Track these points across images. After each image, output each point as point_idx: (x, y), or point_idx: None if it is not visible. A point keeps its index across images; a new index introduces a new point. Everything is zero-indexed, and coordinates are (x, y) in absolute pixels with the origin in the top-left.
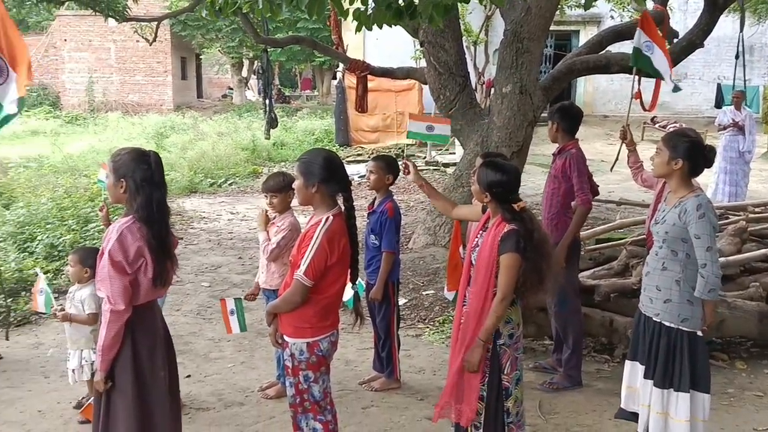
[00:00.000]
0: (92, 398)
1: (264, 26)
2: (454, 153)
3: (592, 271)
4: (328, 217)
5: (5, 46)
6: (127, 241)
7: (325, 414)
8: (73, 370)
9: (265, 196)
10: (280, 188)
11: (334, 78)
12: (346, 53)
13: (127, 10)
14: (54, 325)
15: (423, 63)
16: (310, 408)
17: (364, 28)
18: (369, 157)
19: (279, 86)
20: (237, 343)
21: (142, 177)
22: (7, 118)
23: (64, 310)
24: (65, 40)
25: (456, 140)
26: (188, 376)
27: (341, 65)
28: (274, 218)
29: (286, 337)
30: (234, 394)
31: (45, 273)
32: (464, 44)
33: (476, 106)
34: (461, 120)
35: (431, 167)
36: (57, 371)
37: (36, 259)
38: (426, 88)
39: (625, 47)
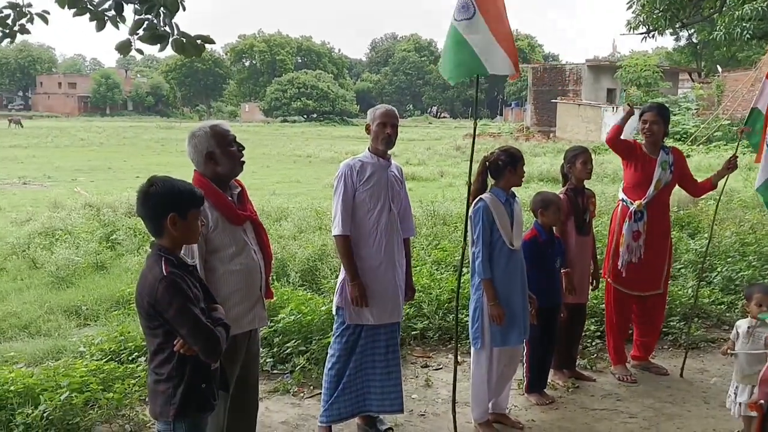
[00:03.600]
0: None
1: None
2: None
3: None
4: None
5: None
6: None
7: None
8: (740, 404)
9: None
10: None
11: None
12: None
13: None
14: (721, 357)
15: None
16: None
17: None
18: None
19: None
20: None
21: None
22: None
23: None
24: None
25: None
26: None
27: None
28: None
29: None
30: None
31: (719, 305)
32: None
33: None
34: None
35: None
36: (717, 399)
37: (713, 289)
38: None
39: None
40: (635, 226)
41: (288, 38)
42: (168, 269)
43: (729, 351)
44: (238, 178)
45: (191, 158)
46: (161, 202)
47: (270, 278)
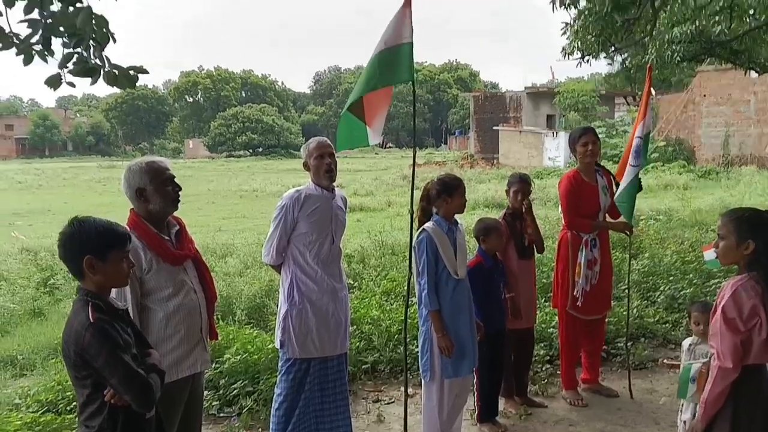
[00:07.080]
0: None
1: None
2: None
3: None
4: None
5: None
6: (742, 299)
7: None
8: (684, 422)
9: None
10: None
11: None
12: None
13: None
14: (669, 376)
15: None
16: None
17: None
18: None
19: None
20: None
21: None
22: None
23: None
24: (704, 95)
25: None
26: None
27: None
28: None
29: None
30: None
31: (663, 324)
32: None
33: None
34: None
35: None
36: (667, 419)
37: (657, 308)
38: None
39: None
40: (590, 255)
41: (232, 73)
42: (95, 315)
43: (666, 362)
44: (177, 215)
45: (125, 193)
46: (76, 244)
47: (214, 318)
